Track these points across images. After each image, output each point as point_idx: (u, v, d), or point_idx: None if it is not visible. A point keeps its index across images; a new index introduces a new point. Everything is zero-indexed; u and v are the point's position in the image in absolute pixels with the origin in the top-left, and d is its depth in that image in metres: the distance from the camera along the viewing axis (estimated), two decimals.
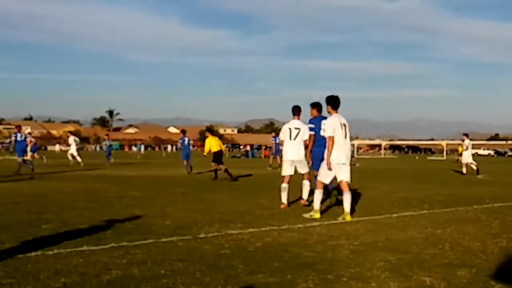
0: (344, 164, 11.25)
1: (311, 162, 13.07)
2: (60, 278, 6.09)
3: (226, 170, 23.35)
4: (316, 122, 12.89)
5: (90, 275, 6.24)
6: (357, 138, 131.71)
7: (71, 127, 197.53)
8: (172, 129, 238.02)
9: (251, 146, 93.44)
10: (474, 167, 30.73)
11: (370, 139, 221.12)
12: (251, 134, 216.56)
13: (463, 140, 32.54)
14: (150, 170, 32.69)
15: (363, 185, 19.91)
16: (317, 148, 12.69)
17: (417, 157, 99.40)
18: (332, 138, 11.15)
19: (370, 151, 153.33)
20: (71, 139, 36.98)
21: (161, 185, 19.58)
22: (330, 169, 11.19)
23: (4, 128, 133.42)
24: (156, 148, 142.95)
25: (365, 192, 17.16)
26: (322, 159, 11.65)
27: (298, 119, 13.44)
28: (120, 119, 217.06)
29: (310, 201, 12.64)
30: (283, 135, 13.27)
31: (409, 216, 11.71)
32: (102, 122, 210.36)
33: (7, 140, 53.21)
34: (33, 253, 7.26)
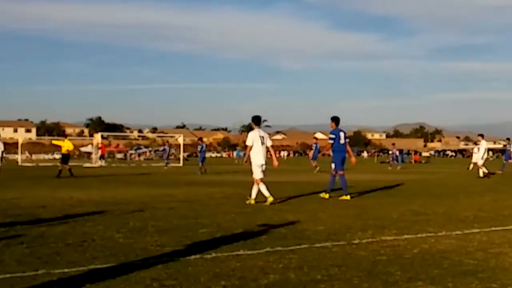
0: (263, 164, 14.95)
1: (335, 164, 16.33)
2: (219, 281, 6.22)
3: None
4: (336, 132, 16.31)
5: (248, 279, 6.32)
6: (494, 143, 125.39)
7: (220, 135, 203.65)
8: (319, 135, 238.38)
9: (400, 151, 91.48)
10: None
11: None
12: (400, 138, 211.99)
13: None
14: (294, 176, 32.81)
15: None
16: (338, 154, 16.33)
17: None
18: (250, 146, 14.93)
19: None
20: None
21: (311, 191, 19.56)
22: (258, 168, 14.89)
23: (158, 136, 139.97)
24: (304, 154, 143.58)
25: None
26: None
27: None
28: (267, 126, 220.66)
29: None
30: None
31: None
32: (249, 129, 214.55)
33: (161, 148, 55.70)
34: (192, 256, 7.48)
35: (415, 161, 71.45)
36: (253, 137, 15.06)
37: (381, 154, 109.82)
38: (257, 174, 15.01)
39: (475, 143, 31.48)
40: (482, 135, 31.13)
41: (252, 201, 14.79)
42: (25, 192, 18.98)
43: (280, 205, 14.44)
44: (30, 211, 12.96)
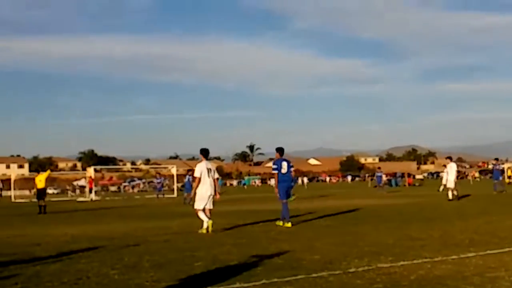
0: (210, 195, 15.49)
1: (279, 193, 16.81)
2: None
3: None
4: (278, 163, 17.09)
5: None
6: (506, 161, 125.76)
7: (213, 164, 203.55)
8: (313, 161, 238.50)
9: (394, 174, 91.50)
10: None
11: None
12: (393, 162, 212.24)
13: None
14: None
15: None
16: (281, 183, 16.90)
17: None
18: (199, 178, 15.44)
19: None
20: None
21: (306, 219, 19.57)
22: (201, 199, 15.47)
23: (151, 168, 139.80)
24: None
25: None
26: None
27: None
28: (260, 153, 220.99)
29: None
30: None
31: None
32: (243, 157, 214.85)
33: (156, 180, 55.75)
34: None
35: (409, 184, 71.43)
36: (201, 169, 15.62)
37: (374, 178, 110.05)
38: (198, 205, 15.57)
39: (444, 166, 31.63)
40: (450, 158, 31.35)
41: (204, 231, 15.27)
42: (19, 229, 18.91)
43: (275, 234, 14.42)
44: (25, 249, 12.88)
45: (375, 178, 58.43)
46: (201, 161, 16.09)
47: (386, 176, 58.86)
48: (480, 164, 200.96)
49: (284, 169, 17.01)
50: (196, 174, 15.66)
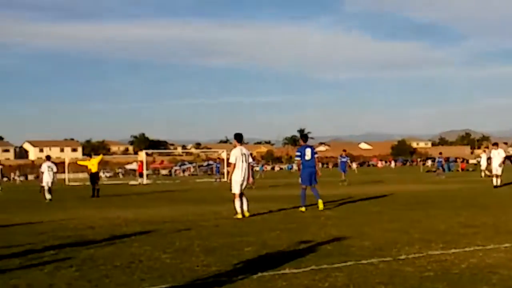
0: (244, 180, 15.71)
1: (301, 179, 17.35)
2: None
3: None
4: (301, 150, 17.49)
5: None
6: None
7: (264, 148, 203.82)
8: (363, 145, 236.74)
9: (447, 159, 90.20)
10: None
11: None
12: (445, 146, 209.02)
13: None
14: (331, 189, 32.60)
15: None
16: (303, 169, 17.26)
17: None
18: (234, 164, 15.67)
19: None
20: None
21: (356, 204, 19.47)
22: (237, 184, 15.63)
23: (201, 152, 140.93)
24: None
25: None
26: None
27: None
28: (311, 138, 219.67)
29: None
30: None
31: None
32: (293, 141, 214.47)
33: (205, 163, 56.29)
34: (239, 277, 7.51)
35: (462, 169, 70.29)
36: (236, 155, 15.78)
37: (429, 162, 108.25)
38: (235, 189, 15.78)
39: (484, 150, 30.86)
40: (496, 144, 30.57)
41: (239, 216, 15.48)
42: (73, 212, 19.33)
43: (325, 220, 14.38)
44: (79, 232, 13.19)
45: (435, 163, 57.22)
46: (235, 146, 16.22)
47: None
48: None
49: (308, 156, 17.31)
50: (231, 160, 15.90)
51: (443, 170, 51.00)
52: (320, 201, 17.10)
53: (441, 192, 25.60)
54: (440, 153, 53.20)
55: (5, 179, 65.32)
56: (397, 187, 30.10)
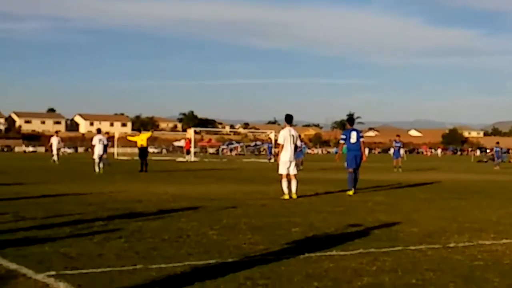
0: (291, 161, 15.70)
1: (346, 162, 17.27)
2: (312, 282, 6.20)
3: None
4: (347, 133, 17.49)
5: (341, 280, 6.28)
6: None
7: (312, 131, 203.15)
8: (413, 132, 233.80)
9: (500, 149, 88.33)
10: None
11: None
12: (498, 137, 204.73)
13: None
14: (378, 174, 32.26)
15: None
16: (349, 152, 17.22)
17: None
18: (282, 145, 15.69)
19: None
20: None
21: (404, 191, 19.26)
22: (284, 164, 15.68)
23: (249, 132, 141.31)
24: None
25: None
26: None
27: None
28: (360, 122, 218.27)
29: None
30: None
31: None
32: (342, 125, 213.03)
33: (252, 144, 56.56)
34: (285, 256, 7.50)
35: None
36: (284, 136, 15.83)
37: (477, 152, 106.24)
38: (282, 170, 15.82)
39: None
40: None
41: (286, 196, 15.45)
42: (121, 186, 19.61)
43: (373, 205, 14.26)
44: (127, 205, 13.36)
45: (492, 151, 55.93)
46: (284, 126, 16.27)
47: (491, 151, 56.30)
48: None
49: (353, 139, 17.21)
50: (280, 140, 15.97)
51: (490, 160, 49.89)
52: (351, 191, 16.84)
53: (492, 182, 25.12)
54: (497, 143, 51.97)
55: (62, 149, 66.04)
56: (446, 176, 29.65)
